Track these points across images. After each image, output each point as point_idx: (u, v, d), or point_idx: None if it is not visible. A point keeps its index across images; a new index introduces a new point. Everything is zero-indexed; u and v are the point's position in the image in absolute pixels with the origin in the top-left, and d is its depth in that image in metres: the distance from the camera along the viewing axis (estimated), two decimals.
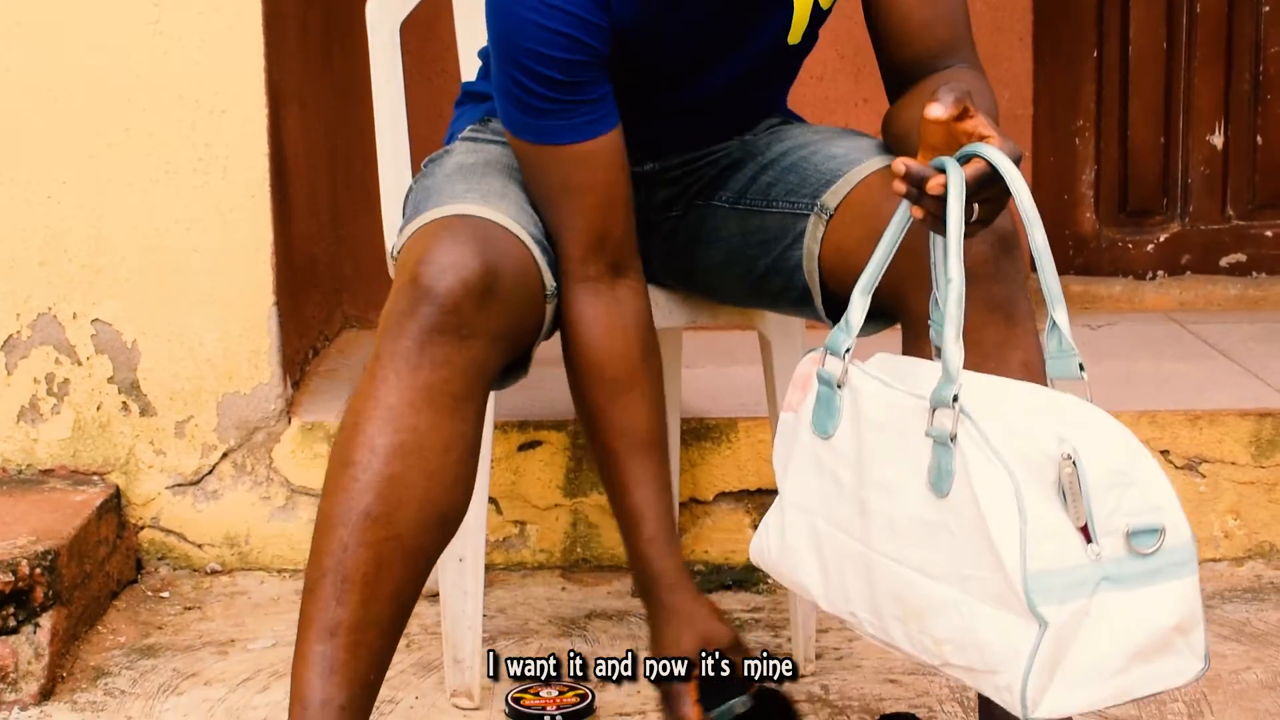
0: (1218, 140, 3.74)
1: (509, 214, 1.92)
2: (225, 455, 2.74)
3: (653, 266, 2.19)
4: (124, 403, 2.72)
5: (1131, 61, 3.72)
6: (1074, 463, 1.56)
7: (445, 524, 1.84)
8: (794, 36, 2.05)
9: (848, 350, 1.73)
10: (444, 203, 1.93)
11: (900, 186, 1.67)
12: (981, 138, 1.68)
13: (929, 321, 1.75)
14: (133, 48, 2.65)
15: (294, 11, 2.90)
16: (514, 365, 1.97)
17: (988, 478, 1.58)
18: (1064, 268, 3.74)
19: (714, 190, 2.13)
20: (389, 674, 2.34)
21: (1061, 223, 3.74)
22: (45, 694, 2.31)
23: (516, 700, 2.21)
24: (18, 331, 2.70)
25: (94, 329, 2.70)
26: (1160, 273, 3.74)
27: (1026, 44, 3.57)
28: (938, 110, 1.68)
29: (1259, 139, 3.74)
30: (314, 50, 3.02)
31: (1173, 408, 2.83)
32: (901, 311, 1.91)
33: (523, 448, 2.77)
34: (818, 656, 2.40)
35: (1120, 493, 1.57)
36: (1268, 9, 3.70)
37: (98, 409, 2.72)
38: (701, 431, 2.78)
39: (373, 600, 1.79)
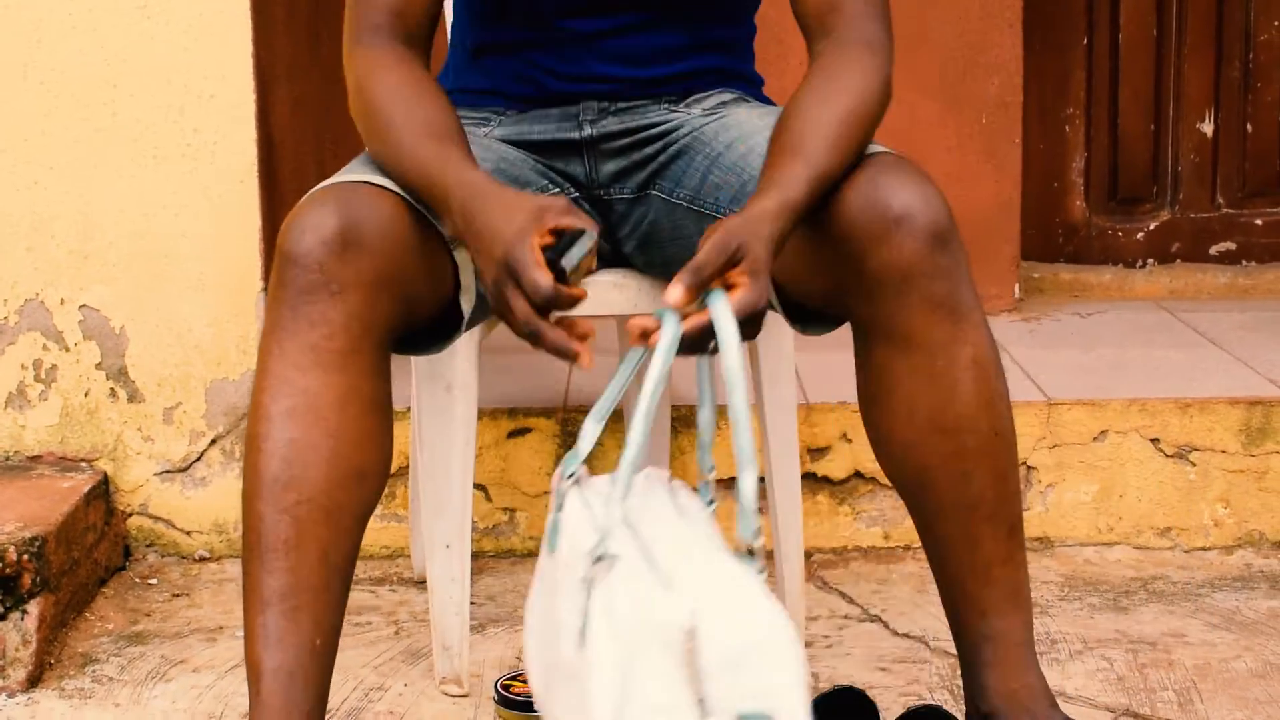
0: (1208, 128, 3.74)
1: (375, 175, 1.91)
2: (214, 442, 2.73)
3: (625, 249, 2.19)
4: (112, 389, 2.71)
5: (1122, 49, 3.71)
6: (693, 637, 1.51)
7: (362, 479, 1.83)
8: None
9: (571, 475, 1.69)
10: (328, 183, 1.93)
11: (634, 342, 1.68)
12: (729, 286, 1.69)
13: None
14: (120, 32, 2.64)
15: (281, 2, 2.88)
16: (443, 323, 1.96)
17: (603, 649, 1.54)
18: (1054, 256, 3.74)
19: (667, 181, 2.12)
20: (376, 662, 2.36)
21: (1051, 210, 3.73)
22: (33, 681, 2.30)
23: (505, 688, 2.20)
24: (5, 318, 2.69)
25: (82, 315, 2.69)
26: (1150, 261, 3.74)
27: (1016, 31, 3.56)
28: (671, 298, 1.69)
29: (1249, 127, 3.74)
30: (302, 32, 3.01)
31: (1163, 396, 2.83)
32: (849, 315, 1.91)
33: (512, 434, 2.77)
34: (807, 645, 2.40)
35: (736, 674, 1.51)
36: None
37: (86, 395, 2.71)
38: (690, 418, 2.78)
39: (300, 565, 1.79)
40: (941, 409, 1.88)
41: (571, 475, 1.70)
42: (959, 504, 1.91)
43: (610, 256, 2.21)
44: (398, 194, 1.89)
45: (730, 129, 2.09)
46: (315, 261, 1.80)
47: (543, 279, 1.69)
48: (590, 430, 1.70)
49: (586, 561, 1.60)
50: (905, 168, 1.86)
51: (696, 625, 1.52)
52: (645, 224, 2.15)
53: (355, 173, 1.92)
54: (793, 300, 2.00)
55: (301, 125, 3.00)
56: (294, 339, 1.80)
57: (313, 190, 1.89)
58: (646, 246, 2.16)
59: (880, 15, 1.99)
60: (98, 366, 2.71)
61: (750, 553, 1.61)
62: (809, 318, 2.01)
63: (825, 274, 1.89)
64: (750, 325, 1.71)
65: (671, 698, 1.53)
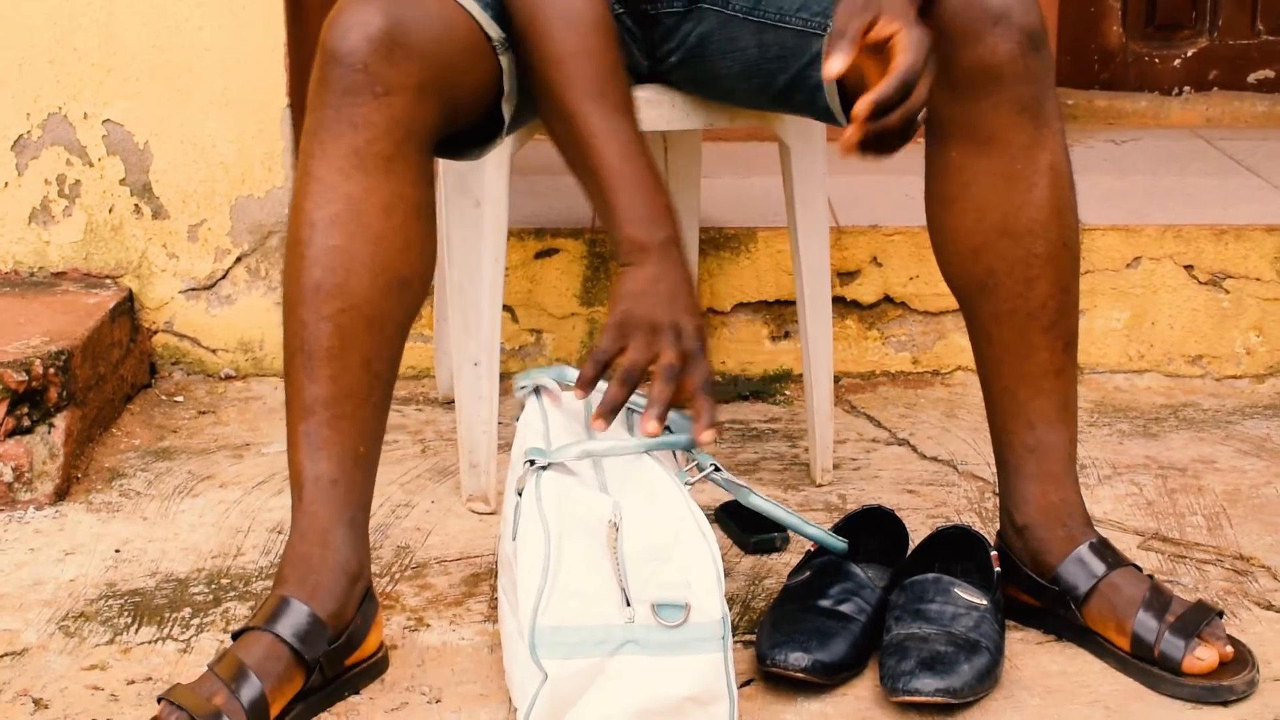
0: None
1: None
2: (239, 260, 2.71)
3: (664, 67, 2.15)
4: (136, 205, 2.69)
5: None
6: (617, 529, 1.65)
7: (405, 287, 1.81)
8: None
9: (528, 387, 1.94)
10: None
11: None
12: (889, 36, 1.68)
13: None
14: None
15: None
16: (483, 129, 1.93)
17: (529, 532, 1.68)
18: (1089, 82, 3.68)
19: None
20: (404, 479, 2.36)
21: (1087, 36, 3.67)
22: (60, 494, 2.31)
23: None
24: (28, 131, 2.66)
25: (105, 130, 2.66)
26: (1187, 89, 3.68)
27: None
28: (832, 70, 1.69)
29: None
30: None
31: (1198, 222, 2.79)
32: (928, 112, 1.87)
33: (539, 255, 2.74)
34: (835, 467, 2.39)
35: (656, 566, 1.66)
36: None
37: (110, 211, 2.69)
38: (720, 241, 2.75)
39: (343, 372, 1.78)
40: (1015, 213, 1.87)
41: (526, 388, 1.90)
42: (1020, 311, 1.90)
43: (646, 71, 2.17)
44: None
45: None
46: (360, 61, 1.76)
47: (671, 374, 1.76)
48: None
49: (522, 462, 1.75)
50: None
51: (620, 519, 1.66)
52: (693, 37, 2.11)
53: None
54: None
55: None
56: (337, 141, 1.77)
57: None
58: (690, 62, 2.12)
59: None
60: (122, 182, 2.68)
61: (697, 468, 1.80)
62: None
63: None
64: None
65: (593, 585, 1.67)
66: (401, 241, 1.80)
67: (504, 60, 1.89)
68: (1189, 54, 3.68)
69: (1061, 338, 1.92)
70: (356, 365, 1.79)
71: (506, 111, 1.93)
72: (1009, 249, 1.89)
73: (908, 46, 1.67)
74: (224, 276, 2.72)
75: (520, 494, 1.73)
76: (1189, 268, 2.77)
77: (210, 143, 2.67)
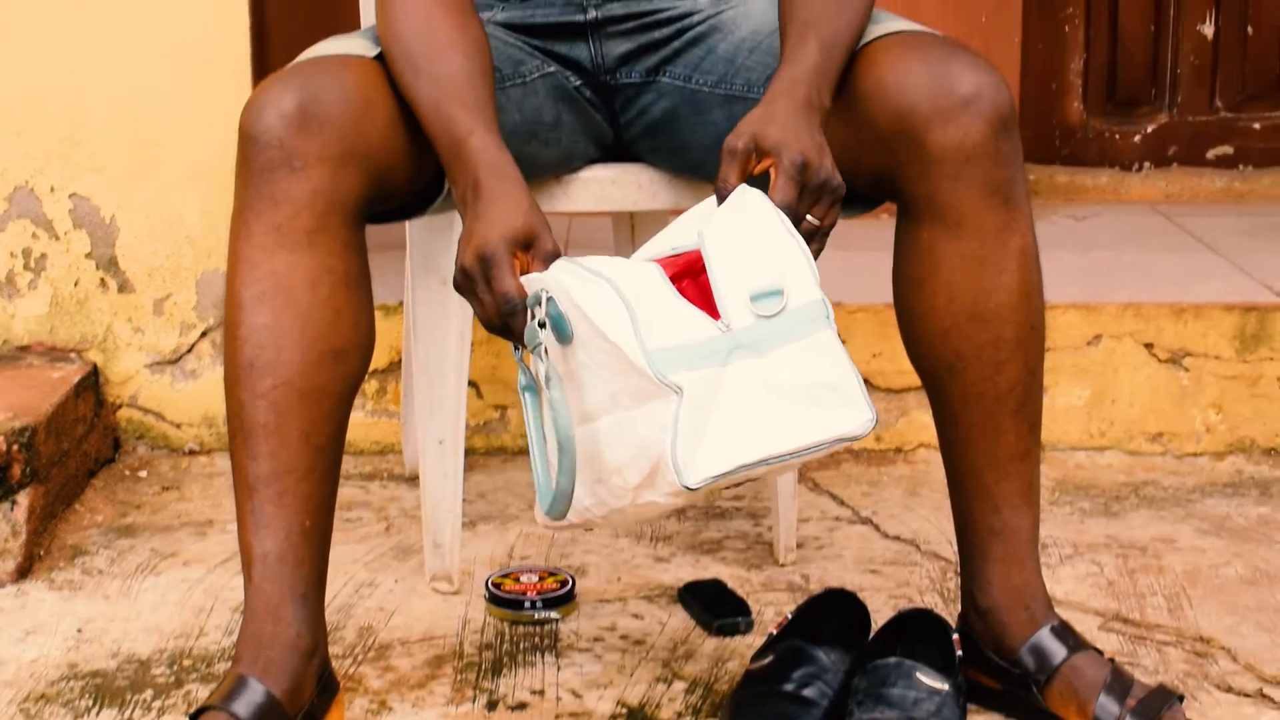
0: (1208, 30, 3.71)
1: (348, 47, 1.89)
2: (204, 334, 2.72)
3: (629, 136, 2.16)
4: (102, 279, 2.69)
5: None
6: (702, 242, 1.65)
7: (340, 358, 1.81)
8: None
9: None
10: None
11: None
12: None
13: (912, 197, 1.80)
14: None
15: None
16: (427, 192, 1.94)
17: (590, 294, 1.63)
18: (1050, 157, 3.72)
19: (682, 67, 2.09)
20: (367, 558, 2.36)
21: (1049, 112, 3.71)
22: (22, 572, 2.30)
23: (496, 585, 2.20)
24: None
25: (72, 203, 2.67)
26: (1147, 164, 3.72)
27: None
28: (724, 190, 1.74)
29: (1249, 29, 3.71)
30: None
31: (1158, 300, 2.82)
32: (899, 195, 1.89)
33: None
34: (799, 546, 2.40)
35: (744, 265, 1.65)
36: None
37: (75, 285, 2.69)
38: None
39: (281, 447, 1.78)
40: (985, 296, 1.88)
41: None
42: (988, 394, 1.91)
43: (611, 148, 2.18)
44: (367, 61, 1.87)
45: (751, 17, 2.08)
46: (275, 137, 1.78)
47: (514, 289, 1.70)
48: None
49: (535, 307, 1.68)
50: (972, 52, 1.87)
51: (704, 234, 1.66)
52: (656, 110, 2.12)
53: (324, 48, 1.91)
54: None
55: (294, 13, 2.97)
56: (259, 220, 1.79)
57: (279, 70, 1.87)
58: (657, 133, 2.14)
59: None
60: (88, 256, 2.69)
61: None
62: (846, 199, 1.99)
63: (877, 151, 1.87)
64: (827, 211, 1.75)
65: (678, 312, 1.63)
66: (331, 313, 1.81)
67: None
68: (1149, 130, 3.72)
69: (1028, 420, 1.93)
70: (295, 440, 1.79)
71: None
72: (978, 332, 1.90)
73: (780, 186, 1.72)
74: (189, 351, 2.72)
75: (545, 304, 1.67)
76: (1149, 345, 2.79)
77: (177, 217, 2.68)
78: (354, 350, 1.84)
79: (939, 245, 1.88)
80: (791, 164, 1.73)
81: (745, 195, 1.71)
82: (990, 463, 1.93)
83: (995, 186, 1.85)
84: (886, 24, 1.94)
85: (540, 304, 1.66)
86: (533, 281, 1.69)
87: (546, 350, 1.67)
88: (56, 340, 2.71)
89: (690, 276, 1.71)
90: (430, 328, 2.24)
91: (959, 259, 1.88)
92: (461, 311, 2.23)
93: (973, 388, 1.91)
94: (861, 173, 1.90)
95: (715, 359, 1.62)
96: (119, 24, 2.62)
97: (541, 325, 1.66)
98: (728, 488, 1.67)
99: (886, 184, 1.90)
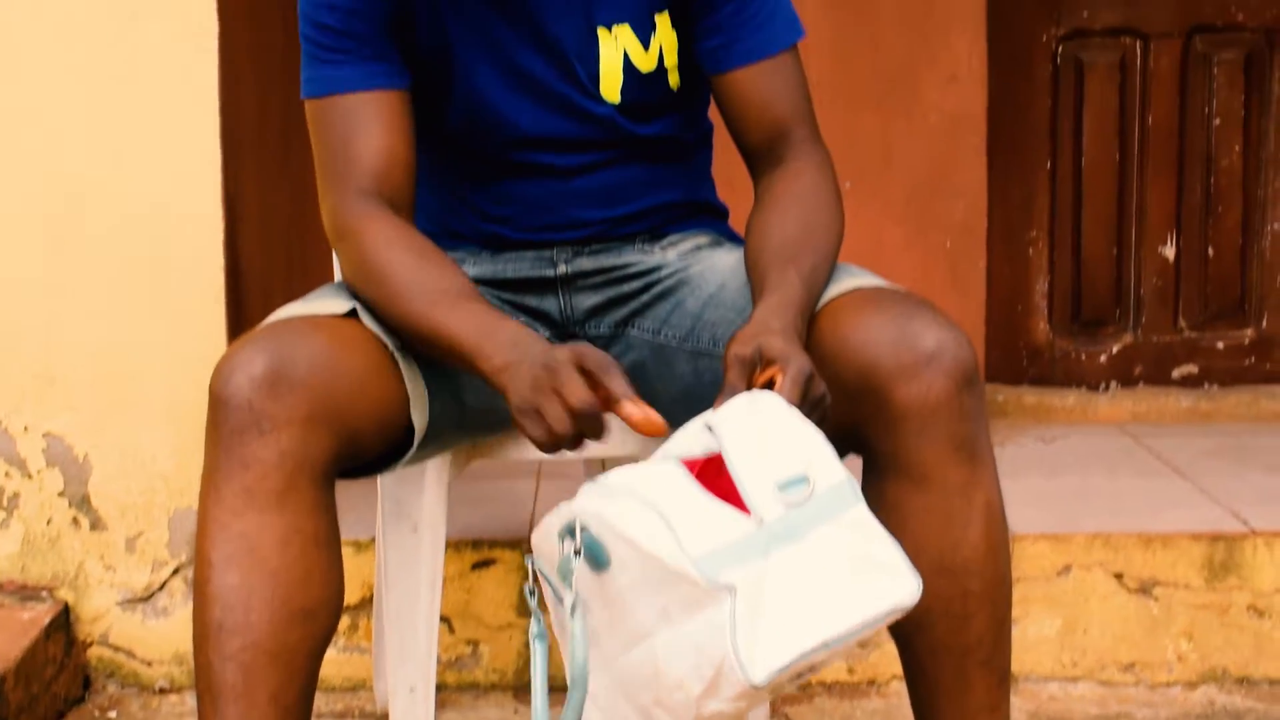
0: (1170, 251, 3.77)
1: (318, 306, 1.93)
2: (176, 571, 2.72)
3: None
4: (74, 517, 2.70)
5: (1085, 173, 3.75)
6: (720, 441, 1.65)
7: (309, 618, 1.82)
8: (609, 92, 2.08)
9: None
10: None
11: None
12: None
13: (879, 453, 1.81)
14: (84, 150, 2.63)
15: (250, 115, 2.87)
16: (396, 446, 1.96)
17: (622, 514, 1.63)
18: (1018, 378, 3.76)
19: (650, 321, 2.13)
20: None
21: (1015, 333, 3.76)
22: None
23: None
24: None
25: (45, 442, 2.68)
26: (1113, 384, 3.76)
27: (981, 155, 3.59)
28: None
29: (1210, 250, 3.77)
30: (273, 145, 3.00)
31: (1126, 530, 2.84)
32: (864, 449, 1.91)
33: (475, 566, 2.76)
34: None
35: (766, 457, 1.65)
36: (1218, 122, 3.74)
37: (48, 523, 2.70)
38: None
39: (250, 710, 1.78)
40: (951, 551, 1.88)
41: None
42: (955, 647, 1.91)
43: None
44: (338, 320, 1.90)
45: (718, 271, 2.12)
46: (244, 400, 1.80)
47: (588, 393, 1.72)
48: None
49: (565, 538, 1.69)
50: (934, 308, 1.90)
51: (716, 425, 1.68)
52: (625, 362, 2.15)
53: (295, 309, 1.94)
54: None
55: (270, 248, 3.00)
56: (228, 482, 1.80)
57: (250, 331, 1.90)
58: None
59: (820, 139, 2.10)
60: (60, 494, 2.69)
61: None
62: None
63: (842, 405, 1.89)
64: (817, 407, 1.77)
65: (713, 508, 1.63)
66: (301, 573, 1.81)
67: (406, 370, 1.94)
68: (1114, 350, 3.77)
69: (996, 672, 1.93)
70: (263, 701, 1.79)
71: (417, 420, 1.96)
72: (945, 586, 1.90)
73: (787, 392, 1.74)
74: (161, 588, 2.72)
75: (579, 534, 1.67)
76: (1119, 575, 2.80)
77: (150, 455, 2.69)
78: (323, 609, 1.84)
79: (904, 500, 1.89)
80: (799, 372, 1.75)
81: (756, 397, 1.73)
82: (959, 717, 1.93)
83: (959, 442, 1.87)
84: (847, 280, 1.98)
85: (574, 534, 1.67)
86: (561, 513, 1.70)
87: (576, 580, 1.68)
88: (28, 579, 2.71)
89: (710, 475, 1.72)
90: (401, 574, 2.24)
91: (924, 514, 1.89)
92: (432, 557, 2.23)
93: (940, 641, 1.92)
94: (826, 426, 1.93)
95: (755, 554, 1.61)
96: (95, 266, 2.65)
97: (576, 553, 1.67)
98: (790, 680, 1.67)
99: (851, 438, 1.92)
